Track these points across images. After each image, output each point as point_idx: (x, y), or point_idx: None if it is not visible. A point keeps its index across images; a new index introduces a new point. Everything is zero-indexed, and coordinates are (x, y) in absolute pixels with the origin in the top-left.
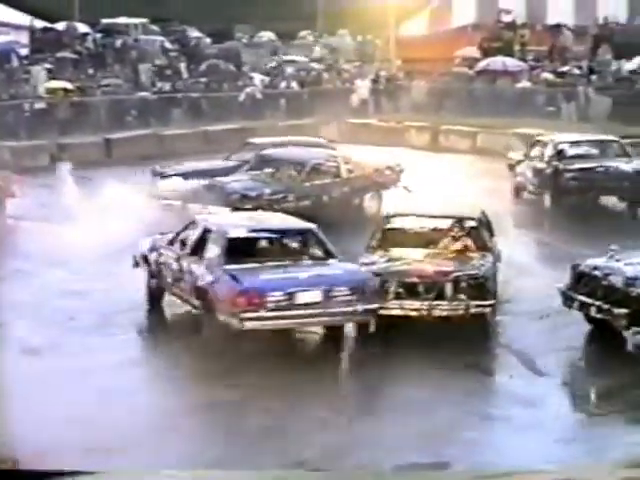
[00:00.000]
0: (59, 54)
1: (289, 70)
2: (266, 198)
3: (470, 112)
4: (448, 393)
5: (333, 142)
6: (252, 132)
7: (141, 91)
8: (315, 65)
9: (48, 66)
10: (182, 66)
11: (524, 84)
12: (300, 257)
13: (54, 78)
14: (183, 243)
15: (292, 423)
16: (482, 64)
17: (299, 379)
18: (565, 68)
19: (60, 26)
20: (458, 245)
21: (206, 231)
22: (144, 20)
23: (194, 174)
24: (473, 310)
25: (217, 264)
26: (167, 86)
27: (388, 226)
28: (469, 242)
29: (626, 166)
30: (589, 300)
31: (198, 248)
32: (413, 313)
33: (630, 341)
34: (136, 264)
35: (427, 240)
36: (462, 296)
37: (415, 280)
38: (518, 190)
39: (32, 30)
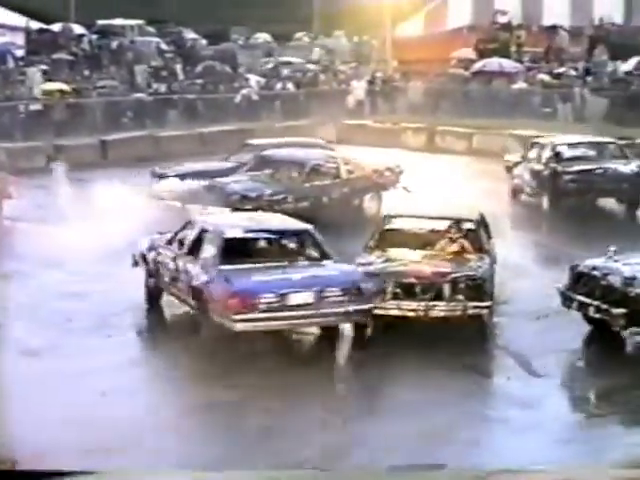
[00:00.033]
0: (55, 55)
1: (285, 71)
2: (266, 199)
3: (466, 113)
4: (446, 394)
5: (329, 143)
6: (248, 133)
7: (137, 92)
8: (311, 66)
9: (44, 67)
10: (178, 67)
11: (520, 85)
12: (296, 258)
13: (50, 79)
14: (181, 243)
15: (289, 423)
16: (478, 65)
17: (296, 380)
18: (561, 69)
19: (56, 27)
20: (456, 246)
21: (203, 231)
22: (140, 21)
23: (194, 175)
24: (470, 311)
25: (212, 264)
26: (163, 87)
27: (386, 227)
28: (467, 244)
29: (624, 168)
30: (588, 300)
31: (194, 248)
32: (410, 314)
33: (628, 342)
34: (135, 263)
35: (425, 241)
36: (460, 297)
37: (413, 281)
38: (516, 192)
39: (28, 31)
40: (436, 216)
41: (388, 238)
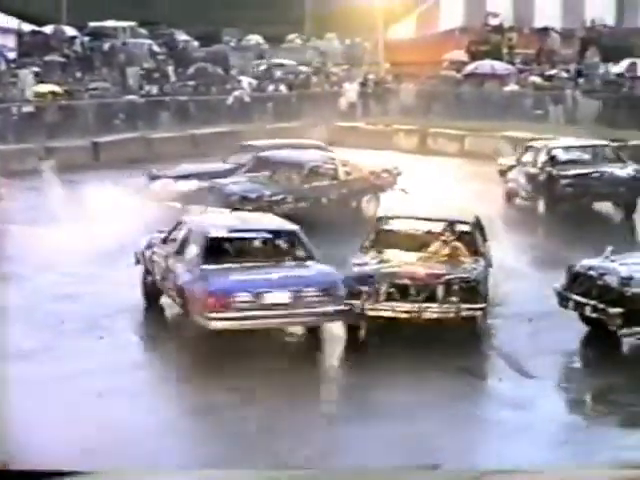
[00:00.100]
0: (47, 57)
1: (277, 73)
2: (266, 200)
3: (458, 115)
4: (438, 396)
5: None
6: (240, 135)
7: (129, 94)
8: (303, 68)
9: (36, 69)
10: (170, 69)
11: (512, 87)
12: (279, 258)
13: (42, 81)
14: (171, 242)
15: (274, 424)
16: (470, 67)
17: (283, 380)
18: (553, 71)
19: (48, 29)
20: (451, 248)
21: (189, 231)
22: (132, 23)
23: (192, 177)
24: (464, 313)
25: (195, 264)
26: (155, 89)
27: (381, 228)
28: (462, 246)
29: (621, 171)
30: (584, 300)
31: (182, 247)
32: (404, 315)
33: (624, 342)
34: (137, 261)
35: (420, 242)
36: (453, 299)
37: (407, 282)
38: (510, 196)
39: (20, 33)
40: (431, 218)
41: (383, 239)
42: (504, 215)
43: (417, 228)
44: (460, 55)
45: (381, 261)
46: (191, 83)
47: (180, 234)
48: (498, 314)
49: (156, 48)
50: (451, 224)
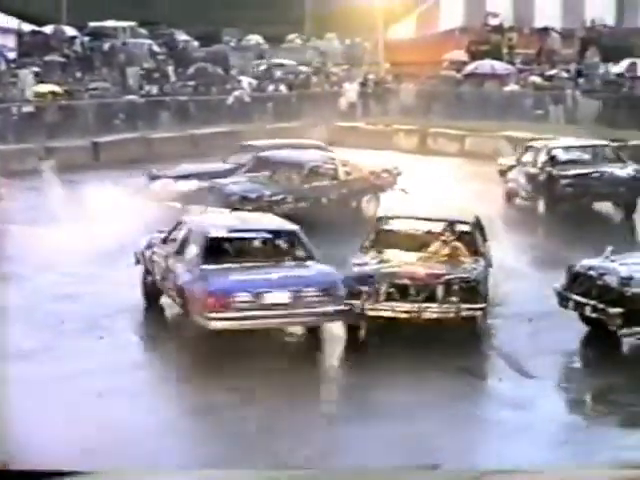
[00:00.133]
0: (47, 57)
1: (277, 73)
2: (266, 200)
3: (458, 115)
4: (438, 396)
5: None
6: (240, 135)
7: (129, 94)
8: (303, 68)
9: (36, 69)
10: (170, 69)
11: (512, 87)
12: (279, 258)
13: (42, 81)
14: (171, 242)
15: (274, 424)
16: (470, 67)
17: (283, 380)
18: (553, 71)
19: (48, 29)
20: (451, 248)
21: (189, 231)
22: (132, 23)
23: (192, 176)
24: (464, 313)
25: (195, 264)
26: (155, 89)
27: (381, 228)
28: (462, 246)
29: (621, 172)
30: (584, 300)
31: (182, 247)
32: (404, 315)
33: (624, 342)
34: (137, 261)
35: (420, 242)
36: (453, 299)
37: (406, 282)
38: (510, 196)
39: (20, 34)
40: (431, 218)
41: (383, 239)
42: (504, 215)
43: (417, 228)
44: (460, 55)
45: (381, 261)
46: (191, 83)
47: (180, 234)
48: (498, 314)
49: (156, 48)
50: (451, 224)
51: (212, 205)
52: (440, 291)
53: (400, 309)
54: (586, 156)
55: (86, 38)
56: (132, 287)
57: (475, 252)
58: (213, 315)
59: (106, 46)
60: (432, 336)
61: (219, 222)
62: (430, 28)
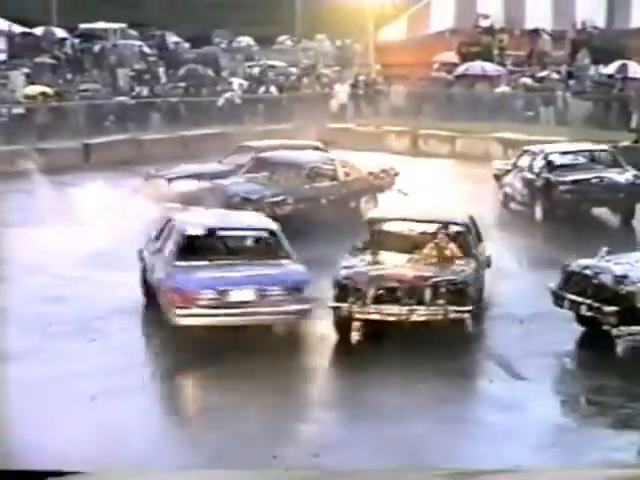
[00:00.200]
0: (37, 59)
1: (268, 75)
2: (267, 201)
3: (449, 117)
4: (428, 398)
5: None
6: (231, 137)
7: (119, 96)
8: (294, 70)
9: (26, 71)
10: (160, 71)
11: (503, 89)
12: (253, 256)
13: (32, 83)
14: (157, 239)
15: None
16: (461, 69)
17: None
18: (544, 73)
19: (38, 31)
20: (441, 250)
21: (172, 228)
22: (122, 25)
23: (191, 177)
24: (452, 315)
25: (170, 260)
26: (145, 91)
27: (371, 230)
28: (453, 247)
29: (619, 177)
30: (579, 299)
31: (163, 244)
32: (391, 318)
33: (618, 342)
34: (140, 259)
35: (411, 244)
36: (440, 301)
37: (394, 285)
38: (506, 201)
39: (10, 35)
40: (422, 219)
41: (374, 241)
42: (496, 216)
43: (408, 230)
44: (451, 57)
45: (369, 264)
46: (182, 84)
47: (165, 231)
48: (496, 315)
49: (146, 49)
50: (442, 225)
51: (213, 206)
52: (428, 294)
53: (388, 312)
54: (584, 161)
55: (76, 40)
56: (125, 289)
57: (466, 253)
58: (178, 311)
59: (96, 48)
60: (422, 337)
61: (198, 220)
62: (421, 30)
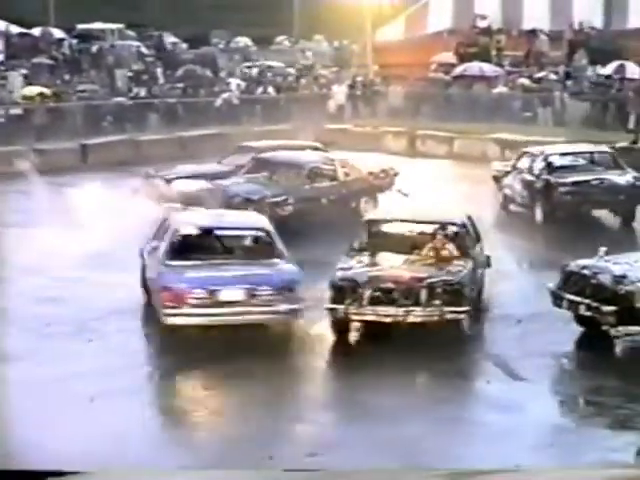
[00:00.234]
0: (35, 60)
1: (266, 75)
2: (268, 201)
3: (447, 117)
4: (425, 399)
5: None
6: (228, 138)
7: (117, 96)
8: (292, 70)
9: (24, 72)
10: (158, 71)
11: (500, 89)
12: (245, 256)
13: (30, 84)
14: (155, 238)
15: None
16: (459, 69)
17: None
18: (541, 73)
19: (36, 32)
20: (438, 250)
21: (167, 227)
22: (120, 25)
23: (191, 178)
24: (448, 316)
25: (163, 259)
26: (143, 91)
27: (368, 231)
28: (450, 247)
29: (620, 179)
30: (578, 299)
31: (159, 243)
32: (387, 319)
33: (617, 342)
34: (142, 257)
35: (408, 245)
36: (436, 302)
37: (390, 286)
38: (505, 202)
39: (7, 36)
40: (419, 220)
41: (371, 242)
42: (495, 218)
43: (405, 231)
44: (448, 57)
45: (366, 265)
46: (179, 85)
47: (161, 230)
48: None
49: (144, 50)
50: (439, 226)
51: (213, 206)
52: (423, 295)
53: (384, 313)
54: (584, 162)
55: (74, 40)
56: (123, 290)
57: (463, 253)
58: (168, 311)
59: (94, 48)
60: (421, 337)
61: (192, 219)
62: (418, 30)
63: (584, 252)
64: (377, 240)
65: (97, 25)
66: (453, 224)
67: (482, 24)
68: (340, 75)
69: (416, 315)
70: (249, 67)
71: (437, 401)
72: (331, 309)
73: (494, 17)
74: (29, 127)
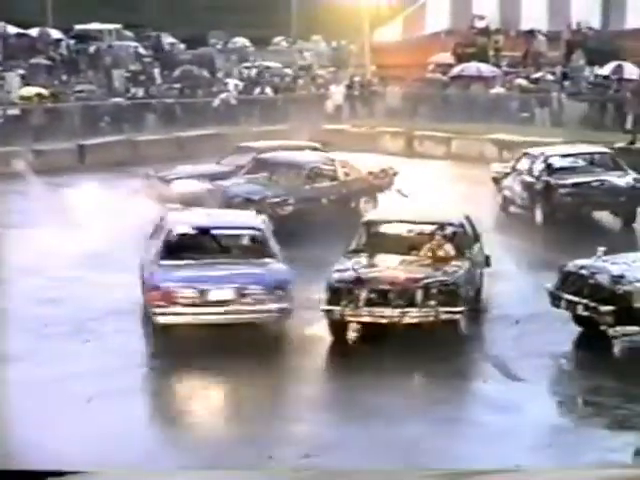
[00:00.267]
0: (33, 60)
1: (265, 76)
2: (269, 201)
3: (444, 118)
4: (423, 400)
5: None
6: (226, 138)
7: (115, 97)
8: (289, 71)
9: (22, 72)
10: (156, 72)
11: (498, 90)
12: (237, 255)
13: (28, 84)
14: (152, 238)
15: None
16: (456, 70)
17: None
18: (539, 74)
19: (33, 32)
20: (434, 251)
21: (162, 227)
22: (118, 26)
23: (191, 178)
24: (443, 316)
25: (156, 259)
26: (141, 92)
27: (366, 232)
28: (447, 248)
29: (620, 180)
30: (576, 299)
31: (155, 243)
32: (384, 320)
33: (615, 342)
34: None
35: (405, 246)
36: (432, 303)
37: (386, 287)
38: (505, 204)
39: (5, 36)
40: (416, 221)
41: (367, 244)
42: (494, 219)
43: (401, 231)
44: (446, 58)
45: (362, 267)
46: (177, 86)
47: (157, 230)
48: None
49: (142, 50)
50: (435, 226)
51: (214, 207)
52: (419, 295)
53: (380, 314)
54: (584, 164)
55: (72, 41)
56: (120, 291)
57: (461, 254)
58: (159, 310)
59: (92, 49)
60: (419, 338)
61: (185, 219)
62: (416, 31)
63: (584, 254)
64: (374, 241)
65: (94, 26)
66: (451, 224)
67: (480, 24)
68: (338, 75)
69: (412, 316)
70: (247, 68)
71: (435, 402)
72: (327, 310)
73: (492, 17)
74: (26, 128)
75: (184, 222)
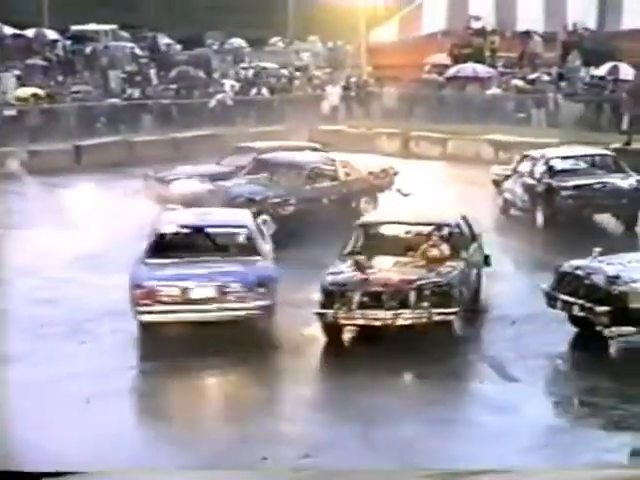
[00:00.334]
0: (29, 61)
1: (262, 77)
2: (270, 202)
3: (440, 118)
4: (419, 400)
5: None
6: (222, 139)
7: (111, 97)
8: (286, 71)
9: (18, 73)
10: (152, 72)
11: (494, 91)
12: (223, 253)
13: (24, 85)
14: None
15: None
16: (452, 70)
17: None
18: (535, 75)
19: (30, 33)
20: (428, 252)
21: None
22: (114, 27)
23: (191, 178)
24: (436, 318)
25: (142, 258)
26: (137, 93)
27: (360, 234)
28: (442, 248)
29: (622, 182)
30: (572, 299)
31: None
32: (377, 322)
33: (611, 343)
34: None
35: (400, 247)
36: (424, 304)
37: (379, 289)
38: (505, 207)
39: (1, 37)
40: (412, 222)
41: (362, 246)
42: (494, 221)
43: (396, 233)
44: (442, 58)
45: (355, 270)
46: (173, 86)
47: (149, 229)
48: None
49: (138, 51)
50: (431, 227)
51: (216, 207)
52: (412, 297)
53: (373, 317)
54: (586, 166)
55: (68, 41)
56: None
57: (456, 254)
58: (143, 309)
59: (88, 49)
60: (417, 338)
61: (173, 218)
62: (412, 31)
63: (585, 256)
64: (368, 243)
65: (91, 26)
66: (447, 225)
67: (476, 25)
68: (334, 76)
69: (405, 318)
70: (243, 68)
71: (431, 402)
72: (320, 314)
73: (488, 18)
74: (23, 128)
75: (171, 221)
